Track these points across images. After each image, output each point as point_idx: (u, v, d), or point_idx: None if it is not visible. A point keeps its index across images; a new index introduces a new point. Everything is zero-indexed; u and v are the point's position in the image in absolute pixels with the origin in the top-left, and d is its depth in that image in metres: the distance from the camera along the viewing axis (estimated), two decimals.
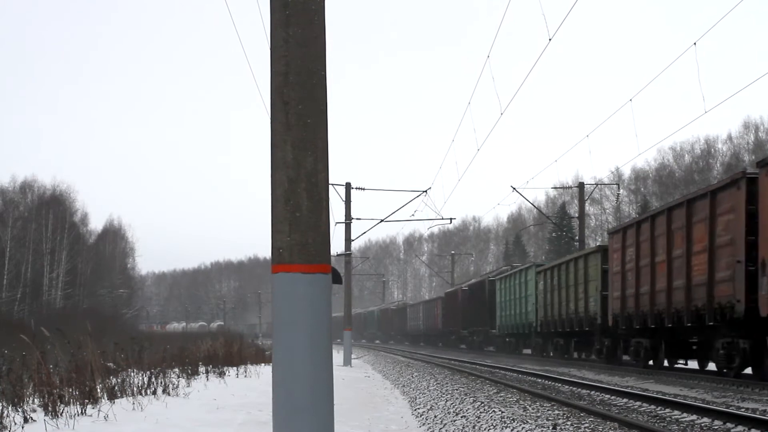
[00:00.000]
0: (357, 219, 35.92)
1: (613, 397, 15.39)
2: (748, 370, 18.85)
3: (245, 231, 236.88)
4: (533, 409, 13.19)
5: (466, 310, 49.65)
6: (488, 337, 46.04)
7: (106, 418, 9.89)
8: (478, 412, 12.75)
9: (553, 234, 77.94)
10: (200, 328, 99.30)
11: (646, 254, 22.53)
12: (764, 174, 16.53)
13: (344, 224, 34.83)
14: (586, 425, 10.94)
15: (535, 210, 72.76)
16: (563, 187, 74.44)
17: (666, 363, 23.40)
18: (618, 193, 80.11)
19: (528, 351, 38.84)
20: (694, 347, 22.03)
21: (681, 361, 23.18)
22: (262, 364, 23.80)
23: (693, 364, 23.37)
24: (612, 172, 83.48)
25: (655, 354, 23.46)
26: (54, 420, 9.50)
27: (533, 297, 35.39)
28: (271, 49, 5.57)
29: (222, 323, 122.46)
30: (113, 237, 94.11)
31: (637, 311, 23.42)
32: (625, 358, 26.18)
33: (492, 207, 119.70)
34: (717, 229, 18.60)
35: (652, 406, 13.56)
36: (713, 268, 18.77)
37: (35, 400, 10.51)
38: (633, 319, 23.76)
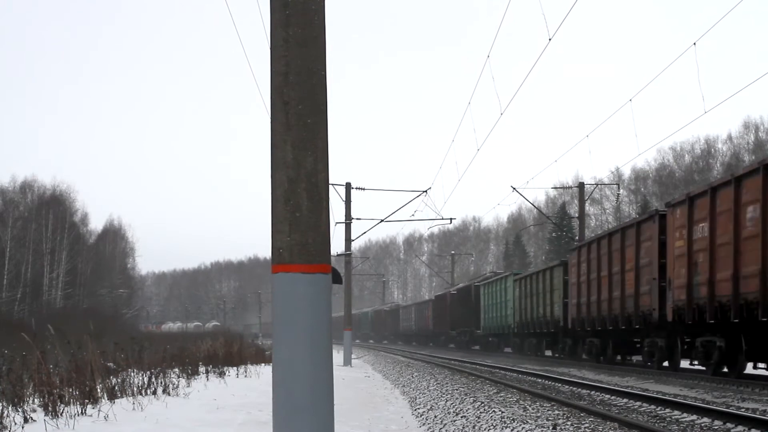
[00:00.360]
0: (357, 219, 35.94)
1: (613, 397, 15.39)
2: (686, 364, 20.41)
3: (245, 231, 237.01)
4: (533, 409, 13.19)
5: (454, 312, 53.15)
6: (474, 337, 49.61)
7: (106, 418, 9.89)
8: (478, 412, 12.75)
9: (553, 234, 77.94)
10: (195, 328, 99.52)
11: (594, 269, 27.25)
12: (671, 212, 20.87)
13: (344, 224, 34.84)
14: (586, 425, 10.94)
15: (535, 210, 72.79)
16: (563, 187, 74.48)
17: (619, 358, 27.69)
18: (618, 193, 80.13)
19: (509, 350, 43.00)
20: (637, 345, 25.79)
21: (630, 357, 27.44)
22: (262, 364, 23.80)
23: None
24: (612, 172, 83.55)
25: (604, 351, 27.86)
26: (54, 420, 9.51)
27: (511, 302, 39.72)
28: (271, 49, 5.57)
29: (217, 323, 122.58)
30: (113, 237, 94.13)
31: (589, 316, 27.99)
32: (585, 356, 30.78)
33: (492, 207, 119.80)
34: (641, 253, 23.34)
35: (652, 406, 13.56)
36: (639, 283, 23.51)
37: (35, 400, 10.51)
38: (586, 322, 28.34)
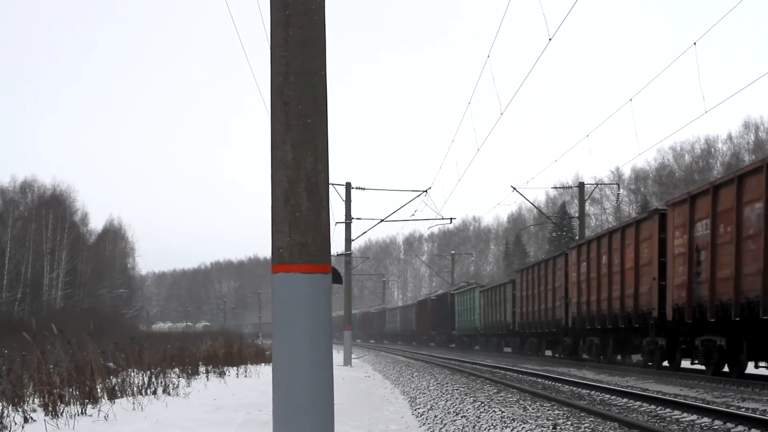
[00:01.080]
0: (357, 219, 35.94)
1: (613, 397, 15.38)
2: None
3: (245, 231, 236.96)
4: (533, 409, 13.19)
5: (434, 315, 62.03)
6: (450, 336, 58.77)
7: (106, 418, 9.88)
8: (478, 412, 12.74)
9: (553, 234, 77.94)
10: (186, 328, 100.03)
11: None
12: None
13: (344, 224, 34.83)
14: (586, 425, 10.94)
15: (536, 210, 72.76)
16: (563, 187, 74.46)
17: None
18: (618, 193, 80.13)
19: (477, 347, 51.91)
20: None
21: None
22: (262, 364, 23.80)
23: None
24: (612, 172, 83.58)
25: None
26: (54, 420, 9.50)
27: (478, 309, 48.91)
28: (271, 49, 5.57)
29: (207, 323, 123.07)
30: (113, 237, 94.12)
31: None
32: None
33: (492, 207, 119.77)
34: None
35: (652, 406, 13.56)
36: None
37: (35, 400, 10.51)
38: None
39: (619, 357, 27.54)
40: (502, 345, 45.67)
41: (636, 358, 26.58)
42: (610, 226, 55.91)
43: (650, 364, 23.81)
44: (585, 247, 28.40)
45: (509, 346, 43.89)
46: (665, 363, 23.26)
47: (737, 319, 17.51)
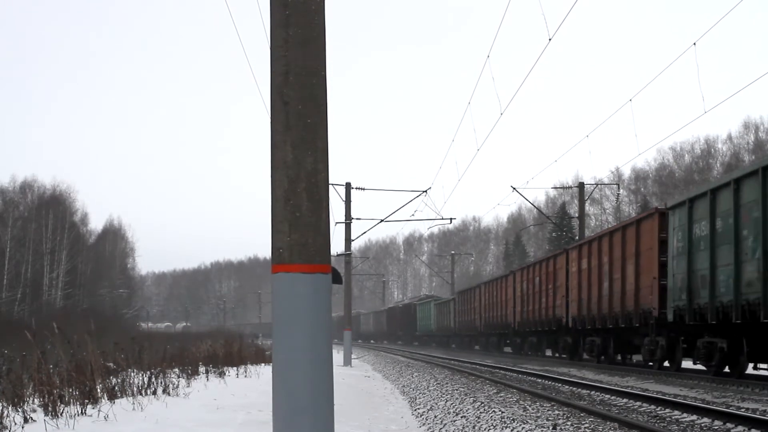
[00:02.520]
0: (357, 219, 35.93)
1: (613, 397, 15.38)
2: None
3: (245, 231, 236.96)
4: (533, 409, 13.18)
5: (401, 319, 78.22)
6: (414, 336, 74.82)
7: (106, 418, 9.88)
8: (478, 412, 12.74)
9: (553, 234, 77.92)
10: (166, 328, 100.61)
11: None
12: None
13: (344, 224, 34.82)
14: (586, 425, 10.93)
15: (535, 210, 72.74)
16: (563, 187, 74.46)
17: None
18: (618, 193, 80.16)
19: (433, 344, 67.40)
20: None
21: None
22: (262, 364, 23.79)
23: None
24: (612, 172, 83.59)
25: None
26: (54, 420, 9.50)
27: (433, 317, 65.31)
28: (271, 49, 5.57)
29: (188, 324, 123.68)
30: (113, 237, 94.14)
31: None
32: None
33: (492, 207, 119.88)
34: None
35: (652, 406, 13.55)
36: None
37: (35, 400, 10.50)
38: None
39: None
40: (449, 343, 61.28)
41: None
42: (610, 226, 56.36)
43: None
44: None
45: (454, 343, 59.99)
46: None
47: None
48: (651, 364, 23.77)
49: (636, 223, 24.26)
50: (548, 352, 37.28)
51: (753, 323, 17.13)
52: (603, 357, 27.89)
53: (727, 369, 19.51)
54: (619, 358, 27.26)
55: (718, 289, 18.26)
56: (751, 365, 19.01)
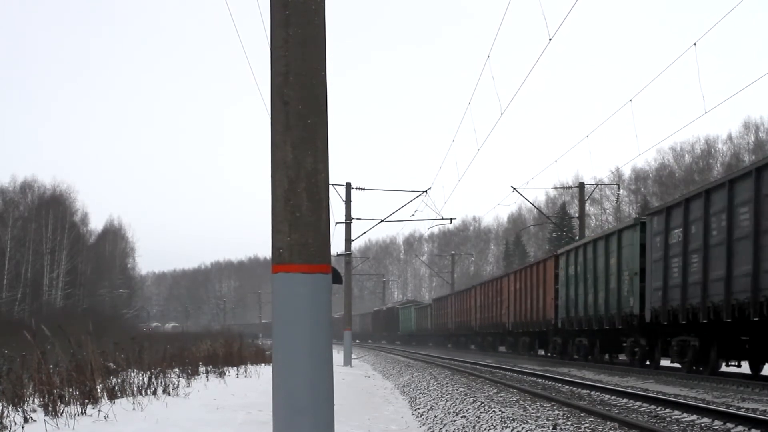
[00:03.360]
0: (357, 219, 35.92)
1: (613, 397, 15.38)
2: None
3: (245, 231, 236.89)
4: (533, 409, 13.18)
5: (386, 321, 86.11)
6: (396, 336, 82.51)
7: (106, 418, 9.88)
8: (478, 412, 12.74)
9: (554, 234, 77.91)
10: (154, 329, 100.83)
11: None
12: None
13: (344, 224, 34.82)
14: (586, 425, 10.93)
15: (535, 210, 72.74)
16: (563, 187, 74.46)
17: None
18: (618, 193, 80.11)
19: (414, 343, 75.26)
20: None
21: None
22: (262, 364, 23.79)
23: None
24: (612, 172, 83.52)
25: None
26: (54, 420, 9.50)
27: (413, 319, 74.26)
28: (271, 49, 5.57)
29: (176, 324, 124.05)
30: (113, 237, 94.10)
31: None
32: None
33: (492, 207, 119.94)
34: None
35: (652, 406, 13.55)
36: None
37: (35, 400, 10.50)
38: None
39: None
40: (428, 342, 69.62)
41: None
42: (610, 226, 56.70)
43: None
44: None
45: (431, 342, 68.10)
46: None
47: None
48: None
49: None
50: (501, 348, 45.75)
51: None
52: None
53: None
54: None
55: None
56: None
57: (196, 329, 70.72)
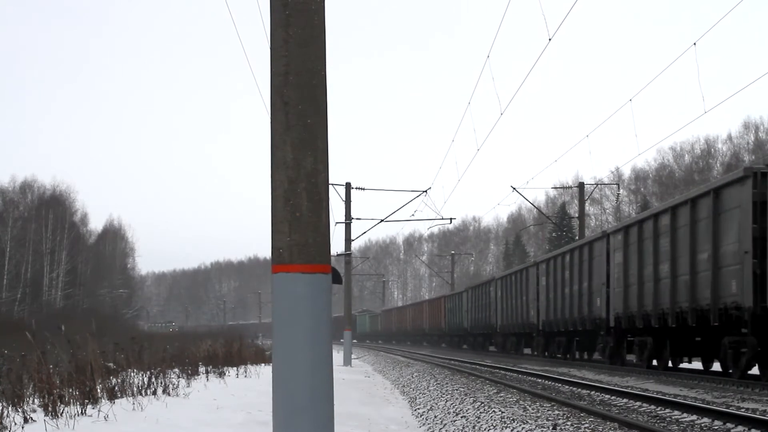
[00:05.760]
0: (357, 219, 35.95)
1: (613, 397, 15.38)
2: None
3: (245, 231, 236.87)
4: (533, 409, 13.18)
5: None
6: (354, 335, 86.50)
7: (106, 418, 9.88)
8: (478, 412, 12.74)
9: (553, 234, 77.90)
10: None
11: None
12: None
13: (344, 224, 34.82)
14: (586, 425, 10.93)
15: (535, 210, 72.76)
16: (563, 187, 74.51)
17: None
18: (618, 193, 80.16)
19: (367, 340, 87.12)
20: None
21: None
22: (262, 364, 23.78)
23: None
24: (612, 172, 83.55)
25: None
26: (54, 420, 9.49)
27: (367, 323, 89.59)
28: (271, 49, 5.57)
29: (169, 323, 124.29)
30: (113, 237, 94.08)
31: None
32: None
33: (492, 207, 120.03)
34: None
35: (652, 406, 13.55)
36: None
37: (35, 400, 10.49)
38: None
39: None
40: (422, 342, 73.72)
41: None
42: (609, 226, 57.05)
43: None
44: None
45: (427, 342, 72.19)
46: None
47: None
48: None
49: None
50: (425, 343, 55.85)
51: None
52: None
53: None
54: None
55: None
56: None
57: (199, 329, 70.89)
